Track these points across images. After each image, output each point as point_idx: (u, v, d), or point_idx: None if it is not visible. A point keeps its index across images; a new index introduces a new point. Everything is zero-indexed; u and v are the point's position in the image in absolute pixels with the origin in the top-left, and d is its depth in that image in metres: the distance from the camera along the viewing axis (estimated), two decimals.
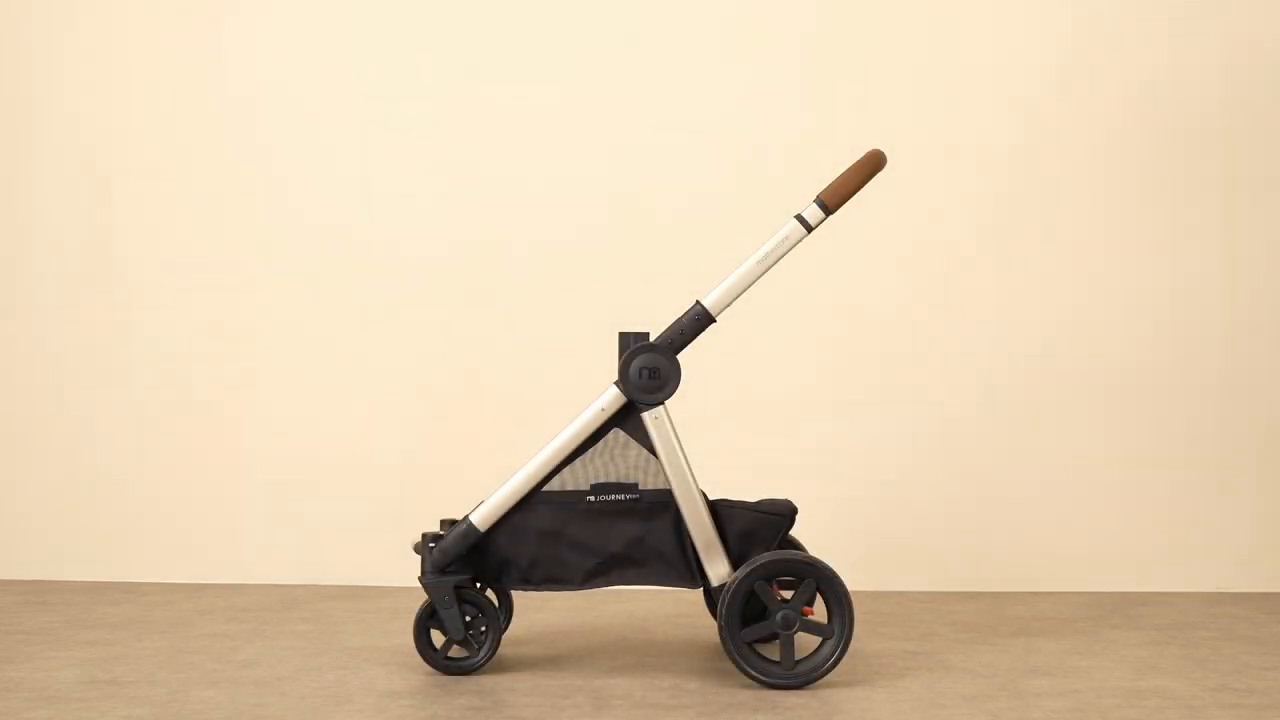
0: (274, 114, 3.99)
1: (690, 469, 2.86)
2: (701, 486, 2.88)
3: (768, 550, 2.87)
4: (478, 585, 2.95)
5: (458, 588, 2.86)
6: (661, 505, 2.88)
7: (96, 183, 4.00)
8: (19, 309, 4.01)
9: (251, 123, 4.00)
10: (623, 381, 2.86)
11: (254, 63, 4.00)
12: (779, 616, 2.80)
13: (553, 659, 3.05)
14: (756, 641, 2.86)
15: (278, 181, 3.99)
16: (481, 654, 2.89)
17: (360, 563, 3.93)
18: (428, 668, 2.92)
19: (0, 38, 4.02)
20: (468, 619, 2.88)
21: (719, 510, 2.89)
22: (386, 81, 3.99)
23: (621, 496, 2.88)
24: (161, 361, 3.99)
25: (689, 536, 2.86)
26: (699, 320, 2.87)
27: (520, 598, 3.62)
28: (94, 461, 3.99)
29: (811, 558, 2.83)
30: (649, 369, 2.85)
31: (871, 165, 2.95)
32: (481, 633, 2.90)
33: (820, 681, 2.82)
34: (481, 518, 2.88)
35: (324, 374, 3.98)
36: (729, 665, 2.95)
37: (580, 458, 2.89)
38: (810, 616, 2.82)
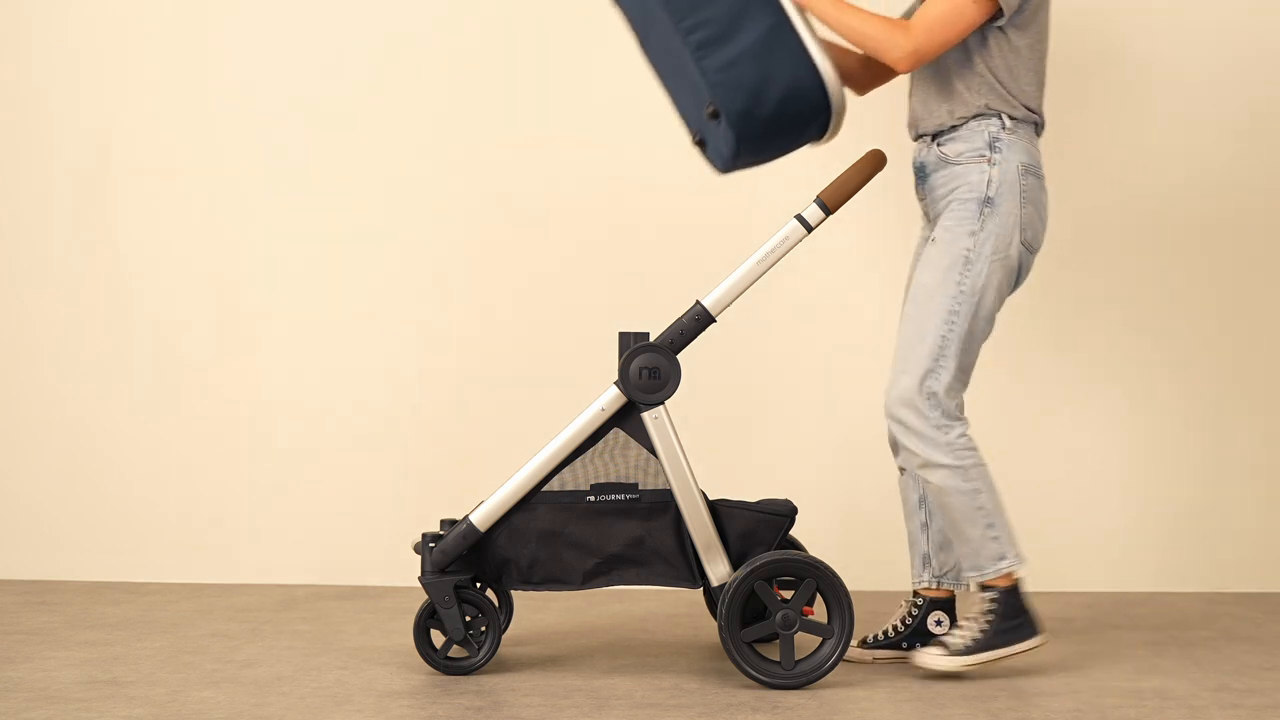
0: (269, 109, 3.99)
1: (690, 469, 2.86)
2: (701, 486, 2.88)
3: (768, 550, 2.87)
4: (478, 585, 2.95)
5: (457, 588, 2.86)
6: (661, 505, 2.88)
7: (95, 182, 4.00)
8: (19, 309, 4.01)
9: (247, 119, 4.00)
10: (623, 381, 2.86)
11: (250, 54, 4.00)
12: (779, 616, 2.80)
13: (553, 659, 3.05)
14: (757, 641, 2.85)
15: (280, 184, 3.99)
16: (481, 654, 2.89)
17: (360, 563, 3.92)
18: (428, 668, 2.92)
19: (1, 30, 4.02)
20: (467, 619, 2.88)
21: (719, 510, 2.89)
22: (388, 81, 3.99)
23: (621, 496, 2.88)
24: (161, 362, 3.99)
25: (689, 536, 2.86)
26: (699, 320, 2.87)
27: (520, 598, 3.62)
28: (94, 461, 3.99)
29: (811, 558, 2.83)
30: (649, 369, 2.85)
31: (871, 165, 2.95)
32: (481, 633, 2.90)
33: (820, 681, 2.82)
34: (481, 518, 2.88)
35: (324, 375, 3.98)
36: (729, 665, 2.95)
37: (580, 458, 2.89)
38: (810, 616, 2.83)
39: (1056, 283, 3.91)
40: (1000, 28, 2.87)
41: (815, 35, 2.85)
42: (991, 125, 2.88)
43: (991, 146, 2.87)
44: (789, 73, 2.81)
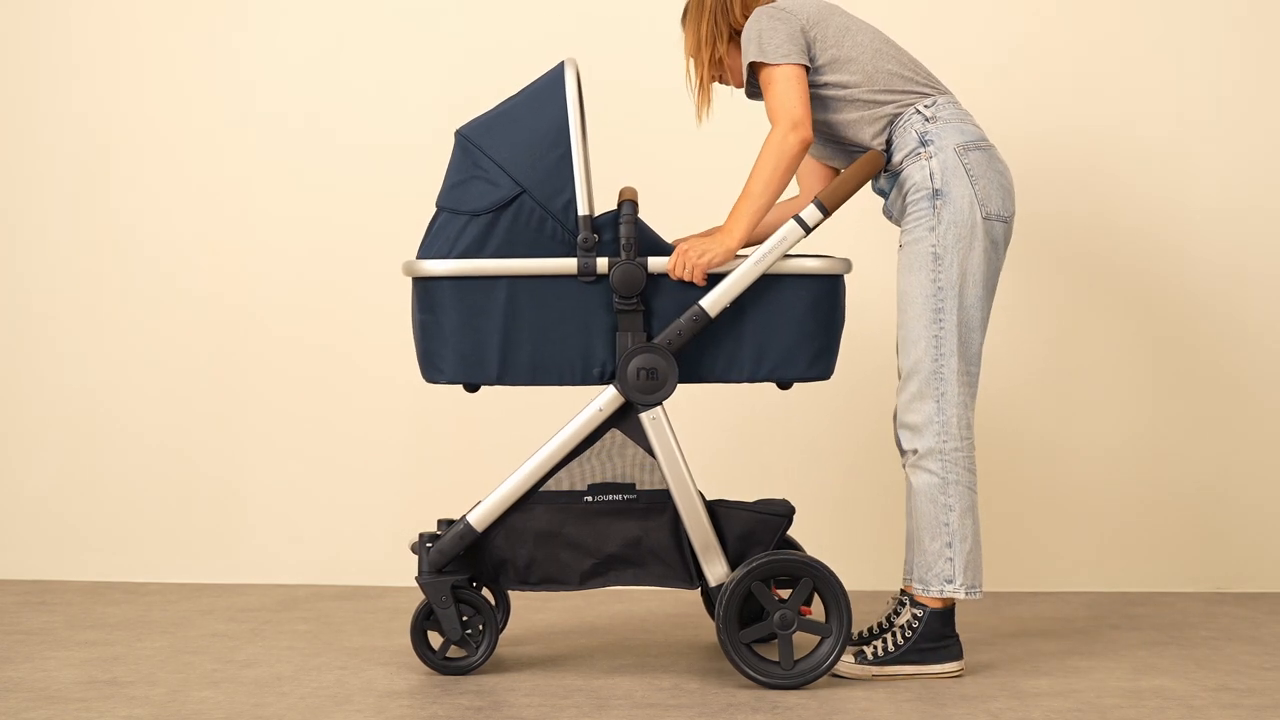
0: (271, 108, 3.99)
1: (688, 469, 2.85)
2: (699, 486, 2.88)
3: (765, 550, 2.87)
4: (475, 585, 2.95)
5: (455, 588, 2.86)
6: (659, 506, 2.88)
7: (96, 183, 4.00)
8: (20, 309, 4.02)
9: (249, 116, 4.00)
10: (621, 382, 2.86)
11: (253, 50, 4.00)
12: (777, 617, 2.81)
13: (553, 659, 3.05)
14: (755, 642, 2.85)
15: (279, 182, 4.00)
16: (479, 654, 2.89)
17: (360, 563, 3.93)
18: (427, 668, 2.92)
19: (2, 22, 4.03)
20: (464, 619, 2.88)
21: (716, 511, 2.89)
22: (391, 80, 4.00)
23: (619, 497, 2.88)
24: (161, 362, 3.99)
25: (686, 537, 2.86)
26: (697, 320, 2.86)
27: (520, 598, 3.62)
28: (94, 461, 3.99)
29: (808, 558, 2.83)
30: (647, 369, 2.85)
31: (869, 166, 2.95)
32: (478, 632, 2.90)
33: (819, 681, 2.82)
34: (478, 518, 2.88)
35: (323, 374, 3.98)
36: (729, 665, 2.95)
37: (578, 458, 2.89)
38: (808, 616, 2.83)
39: (1057, 280, 3.92)
40: (821, 71, 2.91)
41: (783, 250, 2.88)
42: (914, 122, 2.91)
43: (923, 141, 2.90)
44: (796, 306, 2.89)
